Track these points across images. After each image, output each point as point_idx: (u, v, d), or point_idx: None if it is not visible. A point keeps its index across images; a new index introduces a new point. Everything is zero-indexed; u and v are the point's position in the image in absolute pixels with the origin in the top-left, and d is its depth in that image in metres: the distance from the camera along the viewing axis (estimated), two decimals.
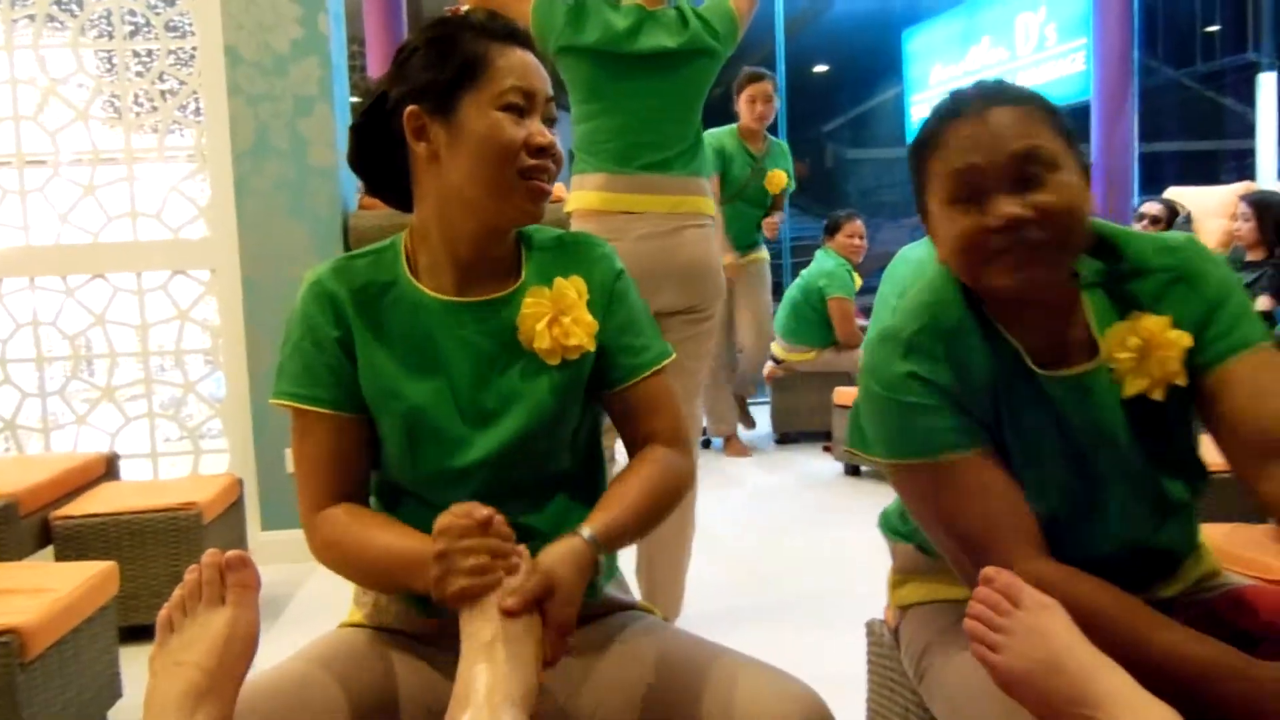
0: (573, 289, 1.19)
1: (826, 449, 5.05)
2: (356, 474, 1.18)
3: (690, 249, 2.39)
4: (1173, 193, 5.36)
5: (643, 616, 1.24)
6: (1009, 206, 1.03)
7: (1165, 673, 0.96)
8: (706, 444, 5.29)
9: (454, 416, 1.16)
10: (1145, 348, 1.08)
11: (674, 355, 1.27)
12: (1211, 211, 5.04)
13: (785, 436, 5.50)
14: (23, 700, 1.79)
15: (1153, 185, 6.51)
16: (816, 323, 5.21)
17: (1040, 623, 0.96)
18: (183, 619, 0.99)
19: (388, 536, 1.10)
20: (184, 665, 0.94)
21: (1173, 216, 5.00)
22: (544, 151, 1.15)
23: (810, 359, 5.27)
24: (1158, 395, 1.09)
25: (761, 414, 5.81)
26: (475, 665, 0.95)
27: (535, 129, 1.15)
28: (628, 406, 1.24)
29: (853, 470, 4.70)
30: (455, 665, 0.98)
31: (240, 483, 3.16)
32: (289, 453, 3.52)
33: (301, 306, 1.18)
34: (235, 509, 3.09)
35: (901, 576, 1.36)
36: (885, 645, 1.46)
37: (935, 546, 1.21)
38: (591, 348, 1.20)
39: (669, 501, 1.19)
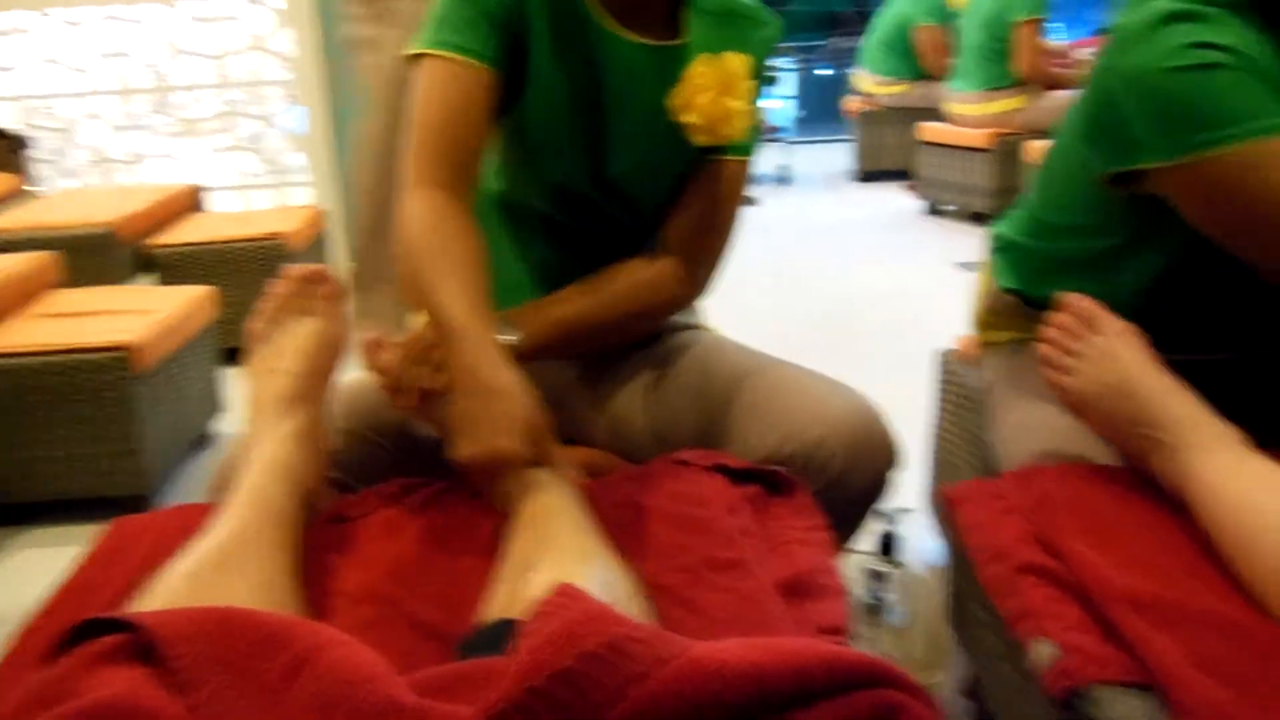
0: (743, 69, 1.08)
1: (911, 187, 4.92)
2: (477, 146, 1.05)
3: None
4: None
5: (701, 335, 1.25)
6: None
7: None
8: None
9: (594, 149, 1.12)
10: None
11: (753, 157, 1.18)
12: None
13: (868, 175, 5.36)
14: (136, 410, 1.94)
15: None
16: (907, 53, 4.93)
17: (1113, 347, 0.95)
18: (272, 329, 1.03)
19: (452, 285, 0.95)
20: (276, 372, 0.99)
21: None
22: None
23: (900, 92, 5.03)
24: None
25: (844, 151, 5.64)
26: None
27: None
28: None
29: (934, 210, 4.59)
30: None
31: (325, 215, 3.21)
32: None
33: None
34: (322, 240, 3.16)
35: (993, 319, 1.34)
36: (954, 373, 1.47)
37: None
38: (743, 140, 1.13)
39: (629, 323, 1.16)
